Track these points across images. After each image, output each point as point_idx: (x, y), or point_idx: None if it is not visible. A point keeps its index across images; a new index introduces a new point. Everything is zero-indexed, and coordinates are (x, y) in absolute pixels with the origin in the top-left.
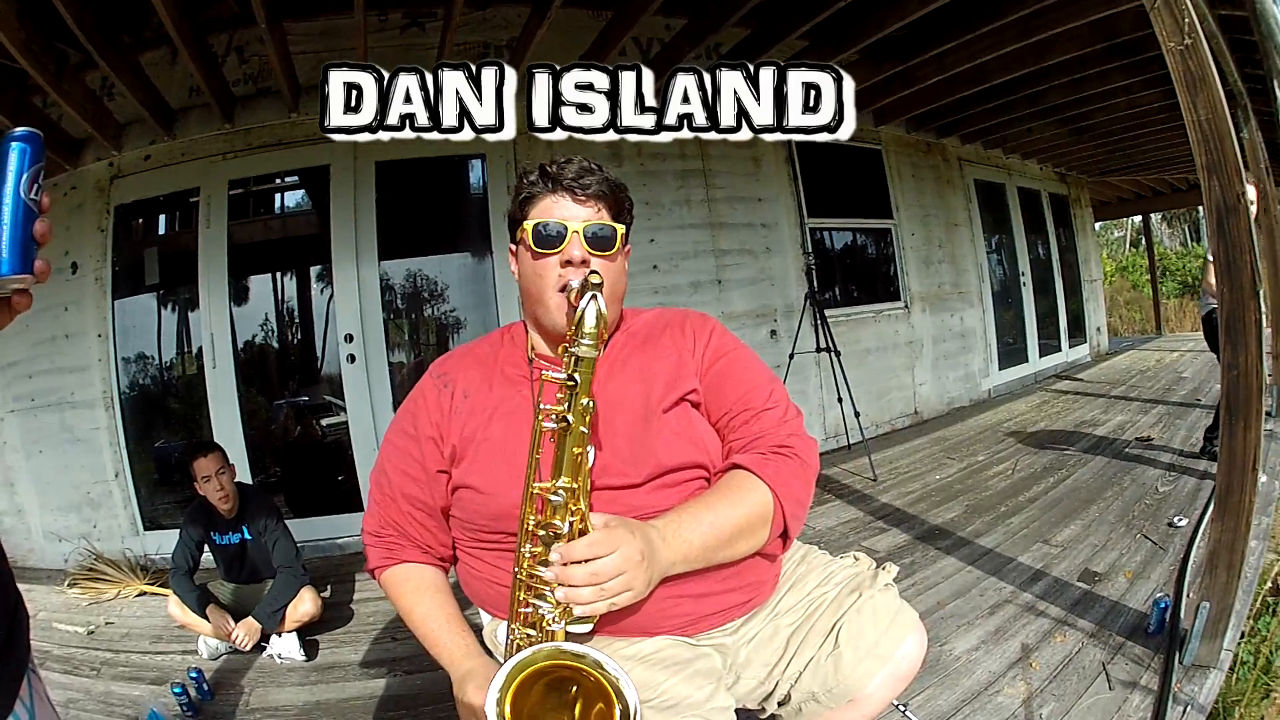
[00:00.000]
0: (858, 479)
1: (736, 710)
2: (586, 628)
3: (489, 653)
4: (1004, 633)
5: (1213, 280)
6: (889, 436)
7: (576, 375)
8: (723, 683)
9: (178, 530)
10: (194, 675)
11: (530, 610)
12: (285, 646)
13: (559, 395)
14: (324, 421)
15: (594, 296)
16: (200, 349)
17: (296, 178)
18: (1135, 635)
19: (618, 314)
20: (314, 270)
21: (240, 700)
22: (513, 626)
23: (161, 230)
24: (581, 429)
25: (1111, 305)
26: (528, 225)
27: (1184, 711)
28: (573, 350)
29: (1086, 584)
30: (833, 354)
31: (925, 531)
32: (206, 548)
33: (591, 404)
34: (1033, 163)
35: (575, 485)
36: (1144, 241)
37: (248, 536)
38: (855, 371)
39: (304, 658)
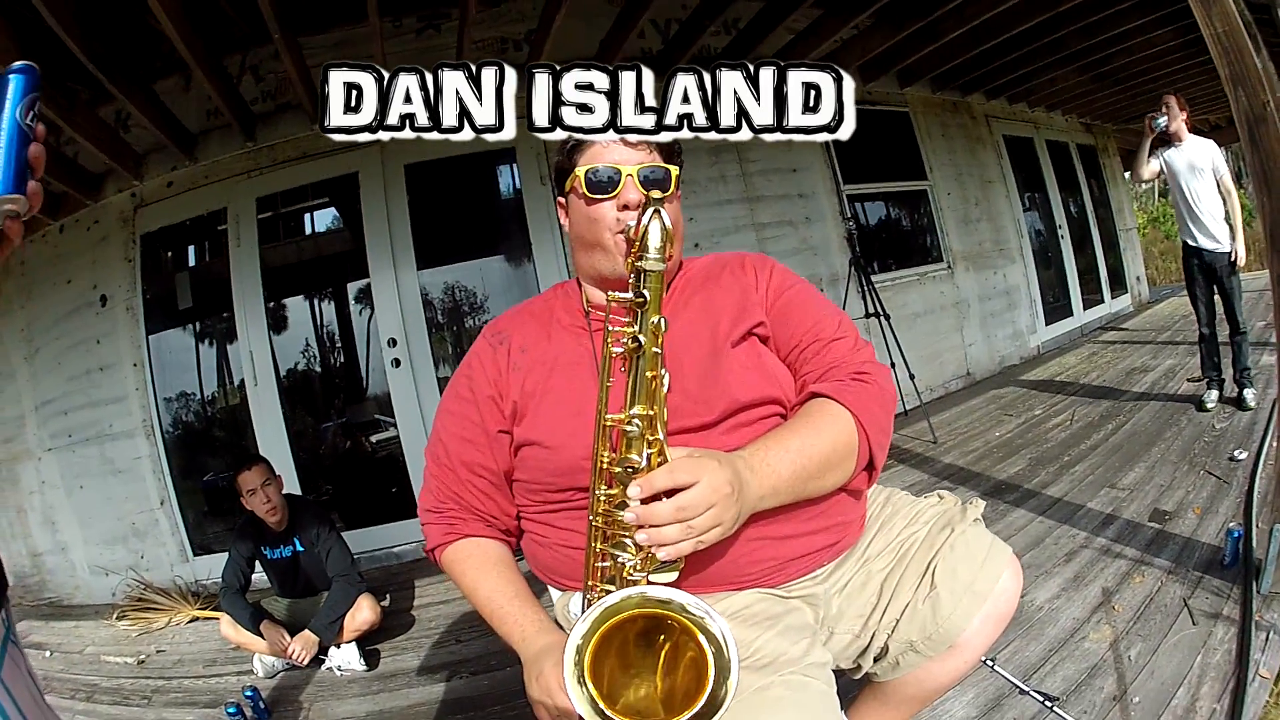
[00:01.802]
0: (918, 442)
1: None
2: (671, 576)
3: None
4: (1083, 579)
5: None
6: (943, 400)
7: (645, 291)
8: (818, 637)
9: (227, 551)
10: (249, 694)
11: (608, 565)
12: (345, 657)
13: (625, 320)
14: (374, 438)
15: (657, 211)
16: (240, 370)
17: (326, 197)
18: (1212, 569)
19: (678, 257)
20: (351, 288)
21: (300, 715)
22: (590, 585)
23: (191, 255)
24: (654, 350)
25: (1147, 257)
26: (579, 172)
27: (1267, 638)
28: (638, 265)
29: (1158, 523)
30: (882, 318)
31: (992, 487)
32: (258, 565)
33: (664, 322)
34: (1058, 115)
35: (651, 413)
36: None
37: (299, 548)
38: (905, 335)
39: (364, 668)
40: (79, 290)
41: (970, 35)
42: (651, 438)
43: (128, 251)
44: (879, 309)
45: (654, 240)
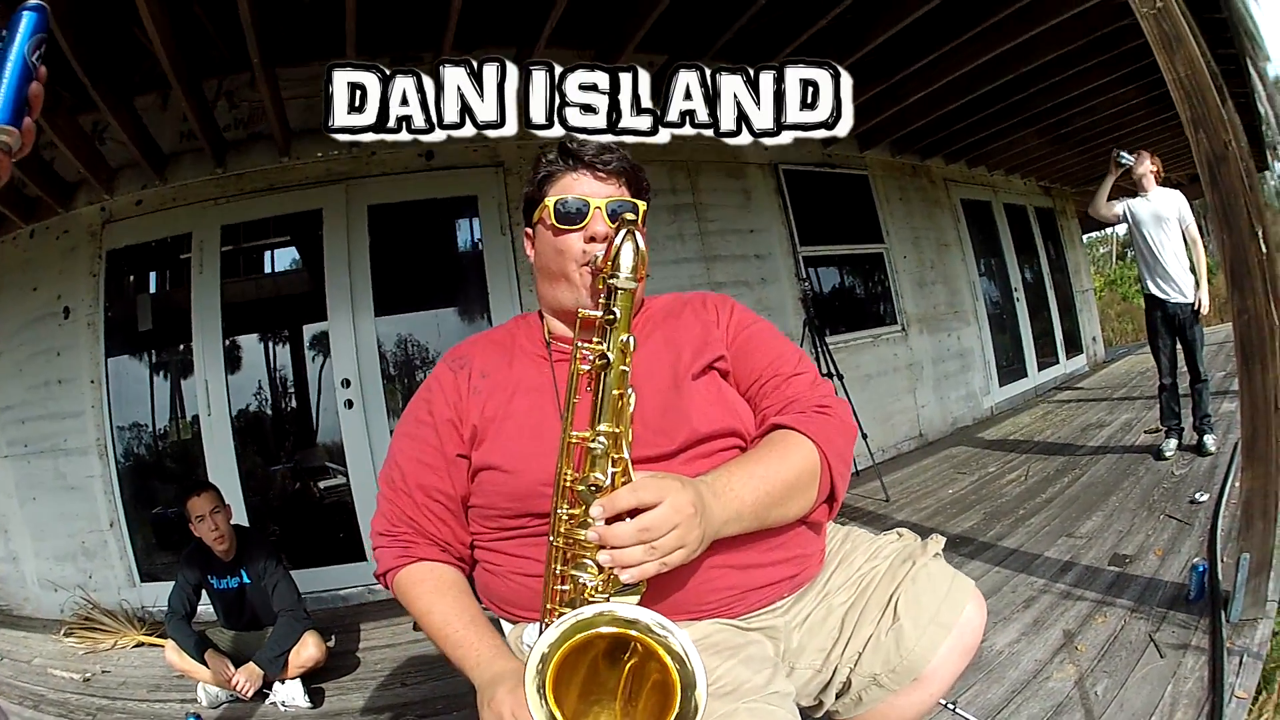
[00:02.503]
0: (870, 500)
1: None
2: (633, 600)
3: None
4: (1042, 623)
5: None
6: (895, 460)
7: (615, 309)
8: (779, 669)
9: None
10: (192, 719)
11: (568, 588)
12: (289, 693)
13: (594, 338)
14: (322, 484)
15: (630, 232)
16: (194, 405)
17: (288, 235)
18: (1176, 604)
19: (642, 292)
20: (308, 330)
21: None
22: (549, 609)
23: (154, 280)
24: (622, 367)
25: (1103, 319)
26: (549, 202)
27: (1240, 661)
28: (610, 282)
29: (1118, 567)
30: (836, 379)
31: (946, 542)
32: (204, 594)
33: (633, 340)
34: (1017, 178)
35: (617, 430)
36: (1130, 253)
37: (246, 580)
38: (858, 396)
39: (309, 705)
40: (44, 299)
41: (932, 97)
42: (616, 456)
43: (93, 266)
44: (833, 370)
45: (626, 260)
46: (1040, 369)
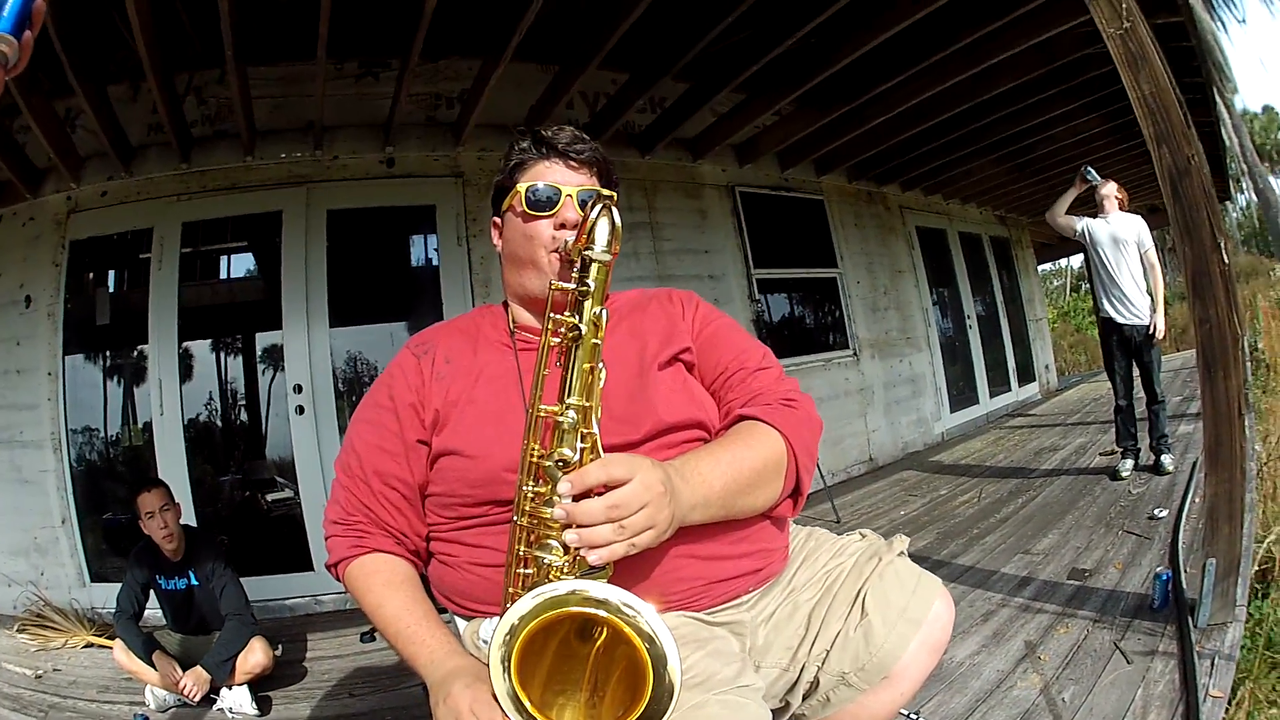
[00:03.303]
0: (820, 522)
1: None
2: (597, 583)
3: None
4: (1002, 635)
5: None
6: (846, 484)
7: (590, 280)
8: (748, 663)
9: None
10: None
11: (531, 571)
12: (237, 699)
13: (565, 312)
14: (270, 497)
15: (606, 206)
16: (148, 410)
17: (246, 241)
18: (1140, 613)
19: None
20: (262, 339)
21: None
22: (511, 593)
23: (114, 275)
24: (594, 341)
25: (1056, 350)
26: (521, 188)
27: (1212, 663)
28: (585, 253)
29: (1078, 580)
30: None
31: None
32: (153, 595)
33: (605, 314)
34: (973, 207)
35: (587, 405)
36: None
37: (194, 582)
38: None
39: (256, 712)
40: (6, 287)
41: (892, 123)
42: (586, 431)
43: (56, 256)
44: None
45: (602, 233)
46: (992, 396)
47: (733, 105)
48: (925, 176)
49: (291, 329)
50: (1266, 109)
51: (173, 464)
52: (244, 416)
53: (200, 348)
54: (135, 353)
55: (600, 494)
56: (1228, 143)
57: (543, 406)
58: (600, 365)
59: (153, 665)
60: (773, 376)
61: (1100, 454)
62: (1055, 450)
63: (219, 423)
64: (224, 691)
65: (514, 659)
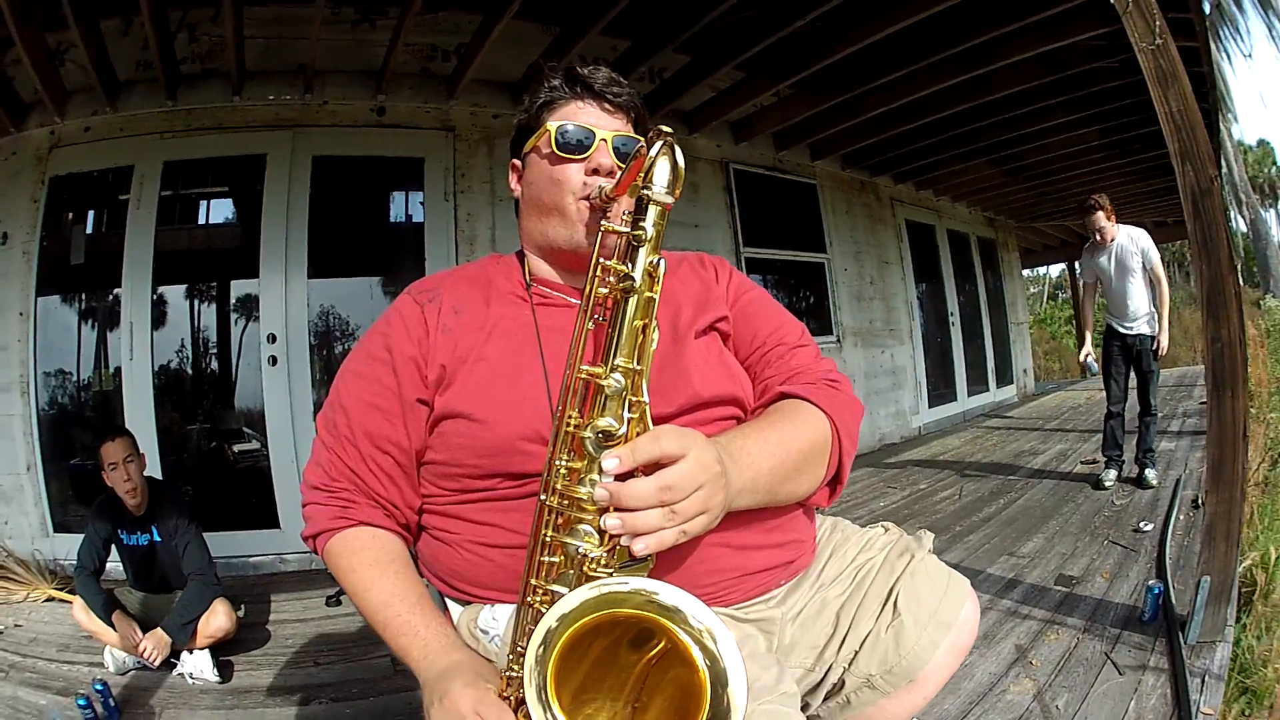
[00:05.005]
0: None
1: None
2: (639, 576)
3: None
4: (992, 637)
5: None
6: None
7: (646, 225)
8: (784, 666)
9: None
10: (99, 688)
11: (558, 560)
12: (197, 665)
13: (615, 260)
14: (237, 448)
15: (668, 145)
16: (118, 354)
17: (227, 186)
18: (1130, 625)
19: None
20: (238, 287)
21: None
22: (531, 585)
23: (92, 216)
24: (649, 294)
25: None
26: (551, 127)
27: (1203, 681)
28: (644, 193)
29: (1065, 587)
30: None
31: None
32: (114, 550)
33: (663, 264)
34: (962, 206)
35: (638, 369)
36: (1060, 295)
37: (157, 538)
38: None
39: (217, 679)
40: None
41: (891, 115)
42: (634, 399)
43: (35, 192)
44: None
45: (663, 173)
46: (970, 394)
47: (732, 82)
48: (918, 171)
49: (269, 277)
50: (1261, 143)
51: (140, 411)
52: (215, 365)
53: (174, 293)
54: (109, 296)
55: (645, 473)
56: (1225, 171)
57: (584, 367)
58: (654, 324)
59: (112, 625)
60: (811, 354)
61: (1081, 462)
62: (1035, 454)
63: (189, 370)
64: (184, 656)
65: (554, 659)
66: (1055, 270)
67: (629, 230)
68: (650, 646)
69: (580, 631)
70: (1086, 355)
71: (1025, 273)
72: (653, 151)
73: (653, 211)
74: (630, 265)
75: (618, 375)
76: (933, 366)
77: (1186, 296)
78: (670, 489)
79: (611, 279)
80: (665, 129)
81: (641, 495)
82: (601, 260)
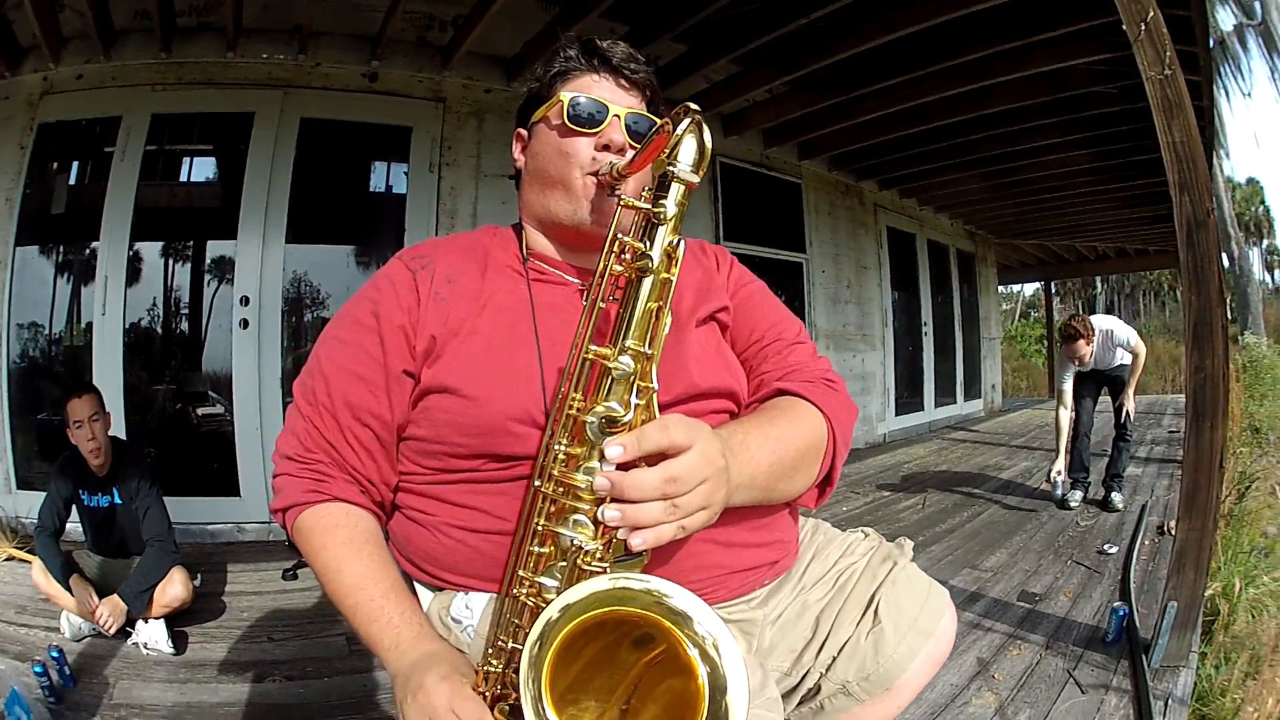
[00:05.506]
0: None
1: None
2: (634, 573)
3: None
4: (954, 648)
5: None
6: None
7: (668, 203)
8: (766, 670)
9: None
10: (55, 655)
11: (548, 550)
12: (152, 635)
13: (632, 236)
14: (201, 411)
15: (696, 123)
16: (91, 310)
17: (212, 144)
18: (1093, 645)
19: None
20: (214, 247)
21: (104, 692)
22: (517, 576)
23: (77, 167)
24: (666, 276)
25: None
26: (563, 97)
27: (1166, 704)
28: (669, 169)
29: (1028, 603)
30: None
31: None
32: (75, 510)
33: (683, 245)
34: (944, 218)
35: (649, 353)
36: (1033, 313)
37: (118, 500)
38: None
39: (172, 650)
40: None
41: (884, 121)
42: (642, 385)
43: (23, 138)
44: None
45: (689, 151)
46: (938, 405)
47: (727, 75)
48: (905, 179)
49: (246, 239)
50: (1251, 181)
51: (109, 368)
52: (185, 326)
53: (151, 250)
54: (86, 250)
55: (647, 464)
56: (1215, 206)
57: (592, 348)
58: (668, 308)
59: (69, 590)
60: (809, 351)
61: (1045, 481)
62: (1000, 470)
63: (159, 330)
64: (139, 625)
65: (551, 653)
66: (1030, 289)
67: (649, 207)
68: (648, 649)
69: (583, 626)
70: (1058, 474)
71: (1000, 289)
72: (679, 129)
73: (676, 190)
74: (649, 244)
75: (626, 358)
76: (902, 375)
77: (1161, 325)
78: (675, 481)
79: (627, 256)
80: (693, 106)
81: (645, 487)
82: (620, 236)
